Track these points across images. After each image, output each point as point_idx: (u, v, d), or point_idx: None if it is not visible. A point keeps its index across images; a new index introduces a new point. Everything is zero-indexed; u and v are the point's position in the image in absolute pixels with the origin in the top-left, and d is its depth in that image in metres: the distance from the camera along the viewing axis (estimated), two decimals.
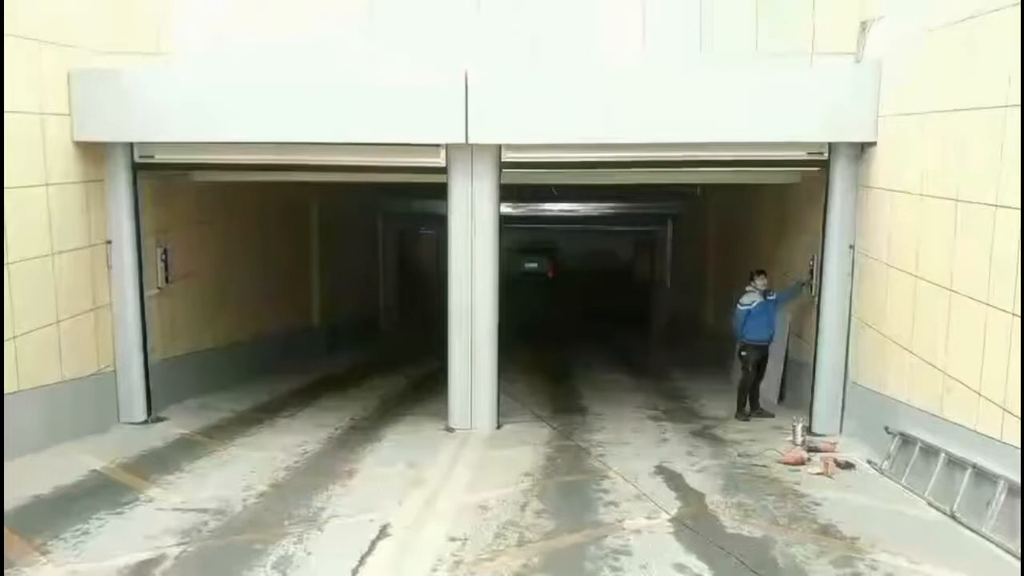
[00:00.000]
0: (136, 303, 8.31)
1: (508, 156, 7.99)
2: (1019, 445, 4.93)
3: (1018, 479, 4.93)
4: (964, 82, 5.80)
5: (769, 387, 9.48)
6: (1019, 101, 5.00)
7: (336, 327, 15.56)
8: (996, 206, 5.28)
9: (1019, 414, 4.93)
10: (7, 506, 5.63)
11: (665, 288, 19.96)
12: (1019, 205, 5.00)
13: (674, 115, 7.60)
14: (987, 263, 5.36)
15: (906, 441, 6.45)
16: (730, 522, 5.52)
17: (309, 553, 5.01)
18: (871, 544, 5.09)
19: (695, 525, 5.43)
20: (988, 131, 5.41)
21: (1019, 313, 4.97)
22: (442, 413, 8.54)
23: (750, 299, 9.00)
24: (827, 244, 7.90)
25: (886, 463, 6.63)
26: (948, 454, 5.78)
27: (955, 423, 5.76)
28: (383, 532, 5.35)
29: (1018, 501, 4.95)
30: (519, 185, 10.34)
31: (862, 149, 7.65)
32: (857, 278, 7.77)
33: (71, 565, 4.82)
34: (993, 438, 5.24)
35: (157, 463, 7.04)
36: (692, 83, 7.67)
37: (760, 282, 9.03)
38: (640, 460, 7.12)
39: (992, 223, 5.30)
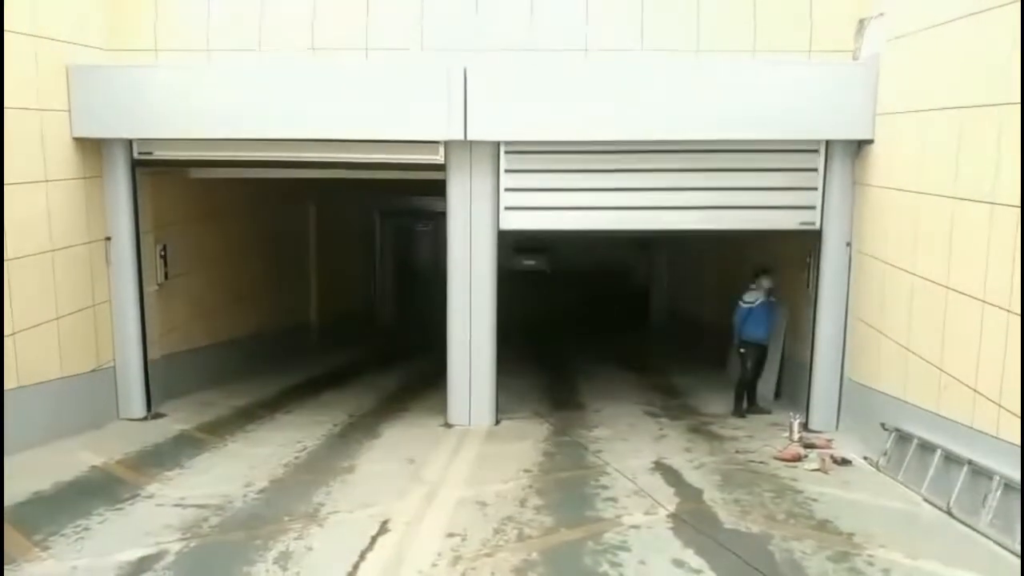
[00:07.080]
0: (135, 300, 8.32)
1: (507, 157, 8.00)
2: (1015, 442, 4.97)
3: (1013, 475, 4.97)
4: (962, 80, 5.82)
5: (766, 384, 9.51)
6: (1017, 99, 5.02)
7: (334, 323, 15.57)
8: (993, 204, 5.30)
9: (1016, 412, 4.96)
10: (7, 502, 5.66)
11: (663, 286, 19.95)
12: (1015, 203, 5.03)
13: (672, 112, 7.61)
14: (983, 260, 5.39)
15: (902, 437, 6.49)
16: (728, 518, 5.55)
17: (310, 548, 5.04)
18: (868, 539, 5.13)
19: (693, 521, 5.45)
20: (986, 129, 5.44)
21: (1016, 311, 5.00)
22: (441, 409, 8.57)
23: (753, 297, 8.97)
24: (824, 241, 7.92)
25: (882, 459, 6.67)
26: (944, 450, 5.82)
27: (951, 419, 5.79)
28: (383, 528, 5.38)
29: (1012, 497, 4.99)
30: None
31: (859, 147, 7.68)
32: (854, 275, 7.80)
33: (72, 561, 4.83)
34: (989, 434, 5.28)
35: (157, 459, 7.07)
36: (690, 81, 7.69)
37: (765, 281, 8.98)
38: (638, 456, 7.14)
39: (989, 221, 5.33)
